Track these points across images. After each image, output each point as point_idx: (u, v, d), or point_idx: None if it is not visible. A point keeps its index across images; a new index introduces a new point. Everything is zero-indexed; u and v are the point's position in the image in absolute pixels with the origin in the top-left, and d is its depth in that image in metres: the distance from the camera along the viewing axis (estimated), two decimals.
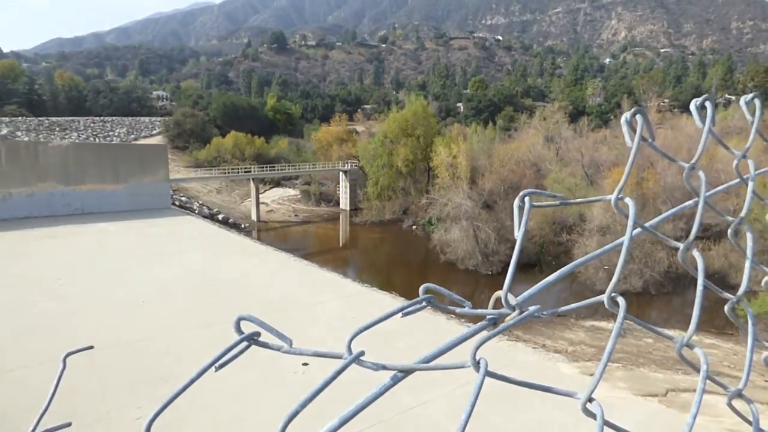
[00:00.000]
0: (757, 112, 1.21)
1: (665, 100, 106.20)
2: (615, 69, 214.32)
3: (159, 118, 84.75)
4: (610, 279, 0.70)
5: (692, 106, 1.05)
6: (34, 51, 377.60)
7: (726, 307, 1.06)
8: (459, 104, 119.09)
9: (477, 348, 0.71)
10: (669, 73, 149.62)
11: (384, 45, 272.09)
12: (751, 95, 1.22)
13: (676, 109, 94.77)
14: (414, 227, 43.00)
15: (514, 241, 0.75)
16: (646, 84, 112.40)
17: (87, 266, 9.32)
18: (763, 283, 1.50)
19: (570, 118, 58.27)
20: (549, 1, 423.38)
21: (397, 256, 37.00)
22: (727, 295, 1.06)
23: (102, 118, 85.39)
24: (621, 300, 0.89)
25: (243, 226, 42.71)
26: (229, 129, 67.95)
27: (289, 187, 58.18)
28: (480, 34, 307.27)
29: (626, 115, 0.97)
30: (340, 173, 52.26)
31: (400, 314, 0.76)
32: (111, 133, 71.57)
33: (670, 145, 37.40)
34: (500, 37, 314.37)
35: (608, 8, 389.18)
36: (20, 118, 75.73)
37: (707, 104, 1.05)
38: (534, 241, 31.54)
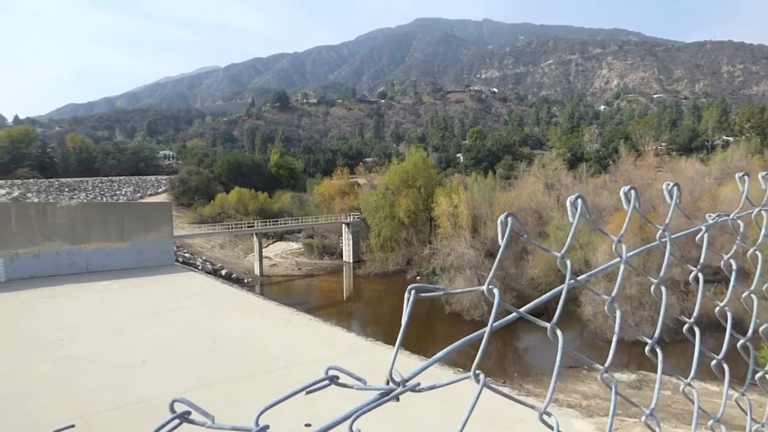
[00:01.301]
0: (633, 202, 1.39)
1: (662, 144, 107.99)
2: (610, 115, 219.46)
3: (165, 177, 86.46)
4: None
5: (567, 203, 1.24)
6: (49, 116, 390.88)
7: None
8: (458, 155, 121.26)
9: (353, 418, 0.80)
10: (664, 118, 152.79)
11: (383, 100, 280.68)
12: (628, 187, 1.43)
13: (674, 152, 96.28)
14: (418, 278, 42.72)
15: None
16: (642, 129, 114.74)
17: (89, 326, 9.29)
18: (761, 330, 1.56)
19: (569, 165, 59.16)
20: (541, 54, 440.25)
21: (401, 308, 36.38)
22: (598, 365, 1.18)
23: (110, 178, 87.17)
24: (559, 332, 1.10)
25: (246, 281, 42.53)
26: (234, 185, 69.07)
27: (292, 241, 58.37)
28: (476, 87, 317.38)
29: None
30: (343, 225, 52.55)
31: (304, 392, 0.86)
32: (118, 192, 72.77)
33: None
34: (495, 90, 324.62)
35: (599, 58, 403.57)
36: (32, 180, 77.44)
37: (578, 202, 1.22)
38: (540, 289, 31.21)
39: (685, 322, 1.50)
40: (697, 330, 1.47)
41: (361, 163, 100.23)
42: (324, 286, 45.14)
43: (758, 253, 1.73)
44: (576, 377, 22.30)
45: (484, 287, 1.07)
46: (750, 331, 1.71)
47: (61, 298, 9.68)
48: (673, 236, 1.39)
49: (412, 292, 0.99)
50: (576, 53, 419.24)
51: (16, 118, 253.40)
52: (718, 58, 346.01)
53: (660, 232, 1.42)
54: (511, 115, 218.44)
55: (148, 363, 8.04)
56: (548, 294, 1.38)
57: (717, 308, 1.43)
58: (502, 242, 1.04)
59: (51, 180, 79.65)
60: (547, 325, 1.13)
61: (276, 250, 55.62)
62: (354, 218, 52.28)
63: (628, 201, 1.39)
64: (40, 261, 10.49)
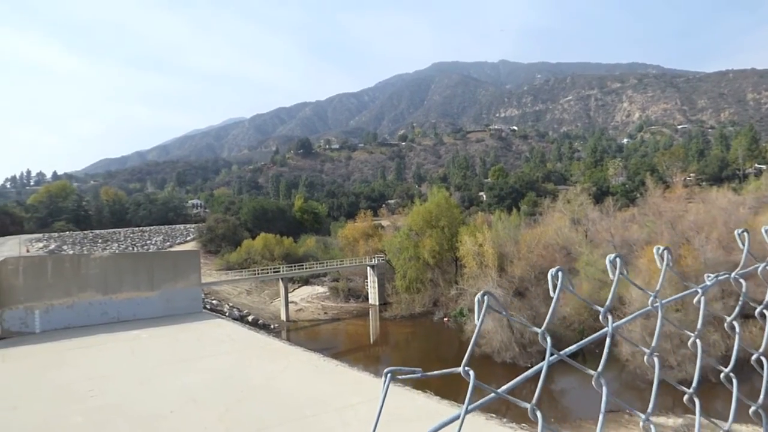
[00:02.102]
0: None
1: (691, 175, 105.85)
2: (634, 148, 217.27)
3: (193, 225, 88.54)
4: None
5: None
6: (85, 171, 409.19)
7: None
8: (481, 193, 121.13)
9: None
10: (690, 148, 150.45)
11: (404, 143, 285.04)
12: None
13: (704, 183, 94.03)
14: (445, 319, 41.91)
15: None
16: (669, 160, 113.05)
17: (119, 375, 9.33)
18: None
19: (594, 200, 58.31)
20: (559, 91, 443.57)
21: (429, 351, 35.70)
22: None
23: (141, 228, 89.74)
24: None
25: (272, 326, 42.44)
26: (259, 231, 70.15)
27: (318, 285, 58.36)
28: (495, 126, 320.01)
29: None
30: (368, 268, 52.41)
31: None
32: (148, 242, 74.64)
33: (704, 219, 36.62)
34: (515, 128, 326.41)
35: (618, 92, 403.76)
36: (67, 232, 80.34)
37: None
38: (573, 328, 30.21)
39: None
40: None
41: (384, 205, 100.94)
42: (350, 329, 44.64)
43: (766, 312, 1.68)
44: (617, 422, 21.14)
45: (459, 369, 1.12)
46: None
47: (93, 348, 9.80)
48: (664, 301, 1.39)
49: (388, 376, 1.00)
50: (595, 88, 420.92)
51: (54, 174, 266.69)
52: (741, 86, 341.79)
53: (651, 298, 1.42)
54: (533, 151, 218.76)
55: (176, 413, 7.98)
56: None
57: (753, 357, 1.39)
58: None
59: (86, 232, 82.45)
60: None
61: (302, 294, 55.64)
62: (379, 260, 52.17)
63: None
64: (73, 311, 10.72)
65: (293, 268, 52.56)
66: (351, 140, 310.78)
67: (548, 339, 1.26)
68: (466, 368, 1.05)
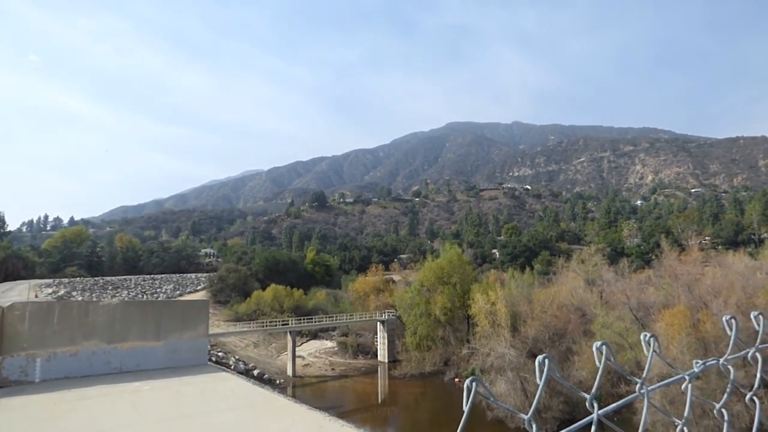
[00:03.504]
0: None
1: (706, 238, 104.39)
2: (648, 210, 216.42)
3: (205, 274, 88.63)
4: None
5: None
6: (102, 217, 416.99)
7: None
8: (494, 250, 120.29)
9: None
10: (705, 212, 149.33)
11: (417, 199, 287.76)
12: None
13: (719, 247, 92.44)
14: (456, 379, 40.47)
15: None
16: (683, 223, 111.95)
17: (118, 430, 9.00)
18: None
19: (609, 260, 57.41)
20: (572, 152, 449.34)
21: (440, 413, 34.22)
22: None
23: (152, 276, 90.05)
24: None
25: (278, 381, 41.32)
26: (270, 282, 69.89)
27: (327, 339, 57.20)
28: (509, 185, 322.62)
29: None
30: (378, 323, 51.46)
31: None
32: (159, 290, 74.59)
33: (721, 283, 35.73)
34: (528, 187, 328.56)
35: (630, 155, 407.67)
36: (78, 278, 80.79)
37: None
38: (589, 393, 28.85)
39: None
40: None
41: (396, 260, 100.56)
42: (358, 387, 43.21)
43: (755, 399, 1.60)
44: None
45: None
46: None
47: (93, 401, 9.54)
48: (650, 388, 1.36)
49: (474, 383, 1.03)
50: (607, 151, 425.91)
51: (71, 219, 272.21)
52: (753, 152, 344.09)
53: (639, 385, 1.38)
54: (546, 211, 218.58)
55: None
56: (616, 404, 1.32)
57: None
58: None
59: (96, 278, 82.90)
60: None
61: (309, 348, 54.46)
62: (389, 316, 51.26)
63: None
64: (76, 360, 10.54)
65: (302, 321, 51.81)
66: (365, 195, 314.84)
67: (534, 427, 1.24)
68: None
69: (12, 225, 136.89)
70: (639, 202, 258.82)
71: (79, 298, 59.45)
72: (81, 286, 72.84)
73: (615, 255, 78.88)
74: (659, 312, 33.27)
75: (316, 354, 52.72)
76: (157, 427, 8.99)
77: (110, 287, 73.67)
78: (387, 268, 79.62)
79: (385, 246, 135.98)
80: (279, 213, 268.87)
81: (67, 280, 78.33)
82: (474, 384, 1.14)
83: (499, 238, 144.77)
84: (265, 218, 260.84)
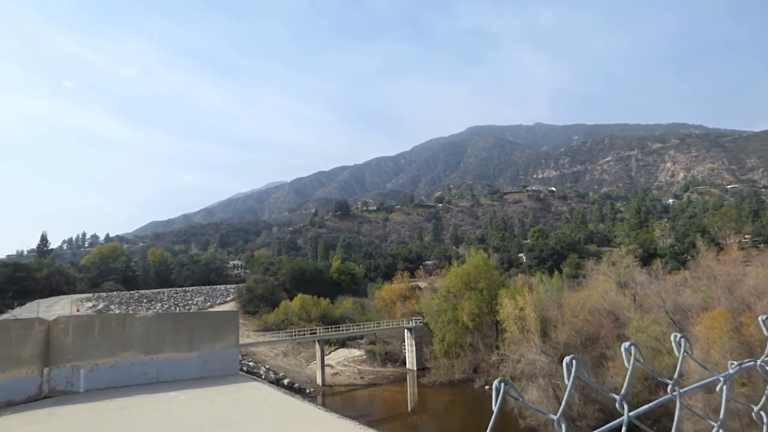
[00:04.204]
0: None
1: (746, 236, 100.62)
2: (681, 209, 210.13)
3: (233, 286, 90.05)
4: None
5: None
6: (135, 233, 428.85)
7: None
8: (520, 254, 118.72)
9: None
10: (743, 208, 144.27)
11: (440, 204, 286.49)
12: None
13: (761, 245, 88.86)
14: (486, 387, 40.00)
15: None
16: (720, 221, 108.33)
17: None
18: None
19: (641, 262, 55.99)
20: (597, 152, 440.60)
21: (470, 421, 33.84)
22: None
23: (183, 288, 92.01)
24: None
25: (308, 390, 41.57)
26: (297, 292, 70.51)
27: (354, 348, 57.28)
28: (533, 187, 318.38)
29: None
30: (405, 331, 51.30)
31: None
32: (190, 302, 76.12)
33: (765, 284, 34.42)
34: (554, 188, 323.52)
35: (660, 153, 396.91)
36: (115, 292, 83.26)
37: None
38: (627, 401, 28.08)
39: None
40: None
41: (421, 266, 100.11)
42: (387, 396, 43.11)
43: (762, 413, 1.57)
44: None
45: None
46: None
47: (133, 410, 9.86)
48: (683, 390, 1.33)
49: (502, 384, 1.02)
50: (635, 149, 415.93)
51: (107, 236, 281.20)
52: None
53: (670, 386, 1.36)
54: (573, 212, 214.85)
55: None
56: (647, 406, 1.33)
57: None
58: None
59: (132, 292, 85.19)
60: None
61: (338, 357, 54.63)
62: (416, 323, 51.07)
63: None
64: (116, 371, 10.90)
65: (330, 329, 52.06)
66: (388, 202, 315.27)
67: (563, 427, 1.25)
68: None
69: (53, 243, 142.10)
70: (671, 201, 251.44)
71: (117, 312, 61.20)
72: (118, 299, 74.94)
73: (647, 256, 76.87)
74: (698, 315, 32.22)
75: (344, 362, 52.86)
76: None
77: (145, 300, 75.56)
78: (412, 275, 79.41)
79: (409, 253, 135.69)
80: (303, 223, 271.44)
81: (105, 294, 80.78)
82: (502, 385, 1.16)
83: (525, 241, 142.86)
84: (290, 229, 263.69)
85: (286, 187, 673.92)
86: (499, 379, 1.16)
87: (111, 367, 10.89)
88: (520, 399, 1.21)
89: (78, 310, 58.72)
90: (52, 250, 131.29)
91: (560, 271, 71.78)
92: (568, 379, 1.27)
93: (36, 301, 67.42)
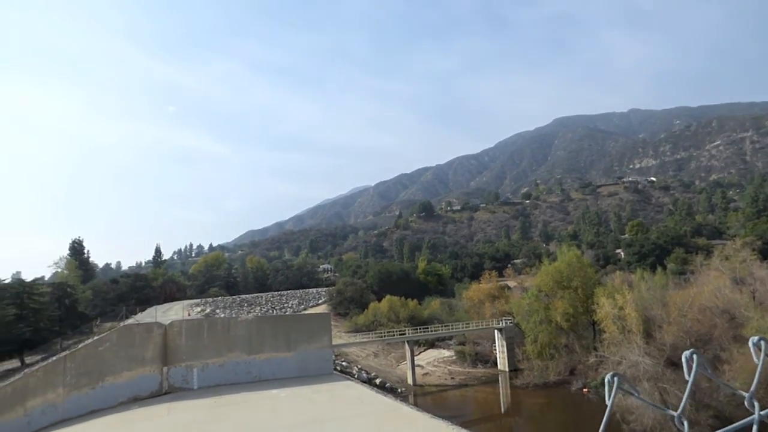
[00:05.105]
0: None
1: None
2: None
3: (324, 289, 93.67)
4: None
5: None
6: (234, 242, 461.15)
7: None
8: (618, 250, 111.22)
9: None
10: None
11: (528, 201, 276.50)
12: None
13: None
14: (584, 390, 38.02)
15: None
16: None
17: None
18: None
19: (761, 255, 50.21)
20: (704, 135, 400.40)
21: (569, 426, 32.38)
22: None
23: (279, 292, 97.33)
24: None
25: (400, 390, 42.16)
26: (385, 293, 71.71)
27: (444, 348, 57.11)
28: (630, 179, 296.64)
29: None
30: (495, 331, 50.27)
31: None
32: (285, 305, 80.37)
33: None
34: (654, 178, 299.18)
35: None
36: (219, 297, 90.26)
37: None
38: (744, 408, 25.36)
39: None
40: None
41: (509, 265, 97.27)
42: (479, 397, 42.49)
43: None
44: None
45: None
46: None
47: (240, 405, 10.72)
48: (763, 413, 1.24)
49: (615, 378, 0.98)
50: (749, 130, 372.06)
51: (210, 246, 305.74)
52: None
53: (747, 399, 1.28)
54: (677, 204, 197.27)
55: None
56: (733, 426, 1.27)
57: None
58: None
59: (234, 297, 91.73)
60: None
61: (428, 358, 54.79)
62: (506, 323, 49.83)
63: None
64: (223, 370, 11.89)
65: (418, 330, 52.38)
66: (472, 201, 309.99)
67: (685, 423, 1.20)
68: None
69: (166, 254, 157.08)
70: None
71: (222, 315, 66.29)
72: (222, 304, 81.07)
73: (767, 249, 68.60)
74: None
75: (434, 363, 52.89)
76: (294, 430, 9.84)
77: (245, 304, 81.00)
78: (501, 274, 77.46)
79: (497, 252, 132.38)
80: (388, 226, 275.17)
81: (211, 299, 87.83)
82: (615, 379, 1.19)
83: (622, 236, 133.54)
84: (376, 232, 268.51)
85: (370, 191, 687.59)
86: (612, 372, 1.21)
87: (219, 366, 11.93)
88: (635, 393, 1.23)
89: (189, 315, 64.31)
90: (165, 260, 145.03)
91: (664, 267, 66.24)
92: (689, 374, 1.26)
93: (154, 306, 74.81)
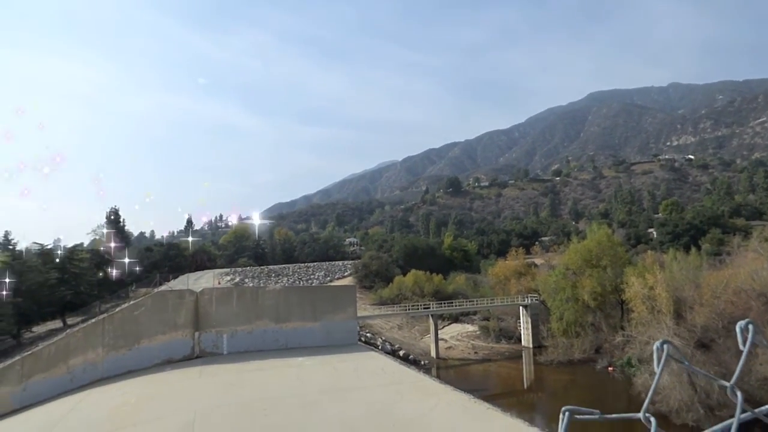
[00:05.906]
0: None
1: None
2: None
3: (350, 262, 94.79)
4: None
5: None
6: (263, 214, 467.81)
7: None
8: (650, 230, 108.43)
9: None
10: None
11: (558, 178, 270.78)
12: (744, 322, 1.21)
13: None
14: (610, 368, 37.78)
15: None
16: None
17: (286, 398, 10.34)
18: None
19: None
20: (749, 111, 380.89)
21: (593, 403, 31.85)
22: None
23: (306, 264, 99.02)
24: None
25: (423, 362, 42.74)
26: (410, 268, 72.10)
27: (468, 323, 57.38)
28: (666, 156, 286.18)
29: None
30: (520, 308, 50.13)
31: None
32: (312, 277, 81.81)
33: None
34: (692, 156, 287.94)
35: None
36: (248, 267, 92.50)
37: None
38: None
39: None
40: None
41: (537, 243, 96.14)
42: (502, 372, 42.75)
43: None
44: None
45: (640, 414, 1.11)
46: None
47: (267, 372, 11.03)
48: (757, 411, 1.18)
49: (566, 414, 0.98)
50: None
51: (239, 217, 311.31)
52: None
53: (729, 388, 1.20)
54: (715, 183, 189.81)
55: None
56: None
57: None
58: (744, 348, 1.05)
59: (262, 267, 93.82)
60: None
61: (451, 332, 55.21)
62: (532, 300, 49.60)
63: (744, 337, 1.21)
64: (252, 337, 12.25)
65: (443, 305, 52.68)
66: (501, 177, 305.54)
67: (738, 394, 1.15)
68: (647, 414, 1.03)
69: (197, 225, 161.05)
70: None
71: (250, 285, 67.99)
72: (251, 274, 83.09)
73: None
74: None
75: (458, 337, 53.28)
76: (319, 398, 10.13)
77: (273, 275, 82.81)
78: (528, 252, 76.70)
79: (524, 229, 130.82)
80: (415, 201, 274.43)
81: (240, 269, 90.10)
82: (665, 346, 1.16)
83: (656, 216, 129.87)
84: (402, 207, 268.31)
85: (397, 166, 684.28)
86: (661, 339, 1.17)
87: (248, 333, 12.30)
88: (686, 363, 1.19)
89: (219, 283, 66.20)
90: (196, 230, 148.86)
91: (698, 248, 64.36)
92: (743, 344, 1.21)
93: (186, 274, 77.26)
